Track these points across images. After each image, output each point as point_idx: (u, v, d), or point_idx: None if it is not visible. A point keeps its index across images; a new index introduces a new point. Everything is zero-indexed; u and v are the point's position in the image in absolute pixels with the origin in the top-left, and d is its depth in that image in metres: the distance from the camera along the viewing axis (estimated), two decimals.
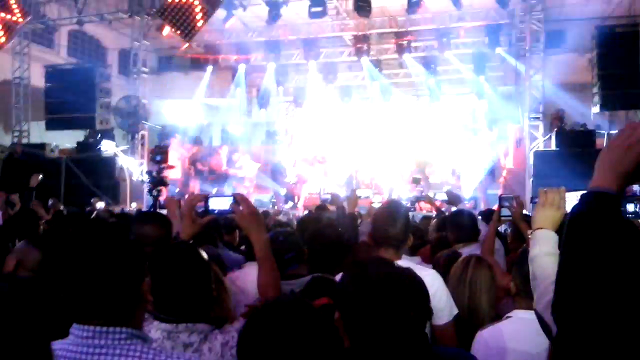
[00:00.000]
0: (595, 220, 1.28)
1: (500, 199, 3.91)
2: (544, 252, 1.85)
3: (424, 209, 11.32)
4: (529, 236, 2.01)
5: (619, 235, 1.23)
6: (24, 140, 15.78)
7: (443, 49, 15.23)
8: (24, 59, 16.05)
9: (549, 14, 13.48)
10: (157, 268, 2.04)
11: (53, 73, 15.22)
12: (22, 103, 16.07)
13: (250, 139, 19.69)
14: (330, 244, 3.34)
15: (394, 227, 2.92)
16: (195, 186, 16.10)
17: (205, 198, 2.65)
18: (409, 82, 18.41)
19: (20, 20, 12.22)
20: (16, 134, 15.97)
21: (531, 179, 11.81)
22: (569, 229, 1.31)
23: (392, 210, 3.05)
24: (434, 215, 7.15)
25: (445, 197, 8.50)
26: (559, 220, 1.94)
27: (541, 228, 1.93)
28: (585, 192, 1.33)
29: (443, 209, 7.39)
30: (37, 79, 16.02)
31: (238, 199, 2.45)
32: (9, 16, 13.20)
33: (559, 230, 1.91)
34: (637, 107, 12.46)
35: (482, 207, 12.06)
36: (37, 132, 15.66)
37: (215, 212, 2.61)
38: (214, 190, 13.85)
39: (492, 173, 14.67)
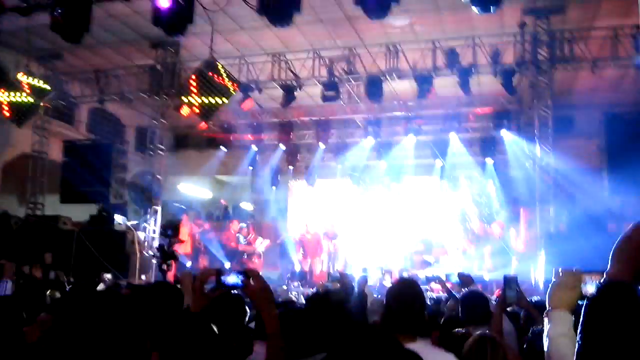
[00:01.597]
0: (611, 309, 1.31)
1: (505, 279, 3.80)
2: (559, 333, 1.85)
3: (435, 290, 11.18)
4: (545, 316, 2.01)
5: (634, 323, 1.26)
6: (38, 213, 15.99)
7: (451, 132, 15.54)
8: (44, 134, 16.53)
9: (558, 100, 13.81)
10: (167, 341, 2.05)
11: (71, 148, 15.64)
12: (38, 176, 16.40)
13: (261, 216, 19.80)
14: (339, 324, 3.32)
15: (409, 309, 2.84)
16: (205, 261, 16.06)
17: (217, 272, 2.67)
18: (418, 163, 18.64)
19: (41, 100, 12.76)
20: (31, 205, 16.21)
21: (543, 261, 11.72)
22: (587, 317, 1.34)
23: (407, 291, 2.98)
24: (445, 297, 7.07)
25: (456, 279, 8.43)
26: (574, 300, 1.95)
27: (557, 308, 1.94)
28: (601, 282, 1.37)
29: (454, 291, 7.33)
30: (55, 153, 16.45)
31: (249, 274, 2.48)
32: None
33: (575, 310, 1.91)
34: None
35: (494, 288, 11.90)
36: (52, 205, 15.89)
37: (227, 286, 2.63)
38: (226, 265, 13.81)
39: (503, 255, 14.55)
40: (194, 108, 10.64)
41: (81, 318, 1.72)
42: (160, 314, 2.73)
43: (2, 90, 13.23)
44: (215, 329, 2.20)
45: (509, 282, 3.67)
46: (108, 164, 14.52)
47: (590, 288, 1.88)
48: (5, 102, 13.09)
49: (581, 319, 1.39)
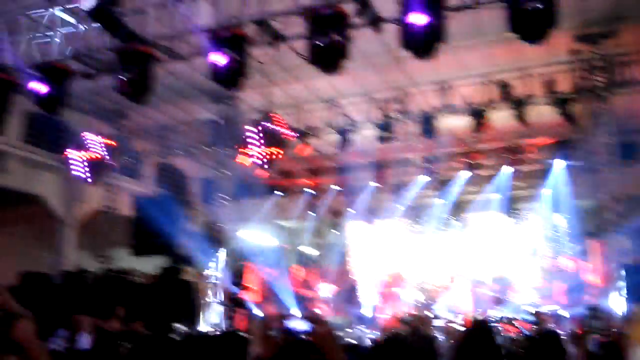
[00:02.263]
0: None
1: (590, 309, 3.68)
2: None
3: (508, 329, 10.83)
4: (629, 350, 1.97)
5: None
6: (111, 266, 16.62)
7: (510, 165, 15.25)
8: (114, 190, 17.33)
9: (621, 126, 13.38)
10: None
11: (140, 202, 16.29)
12: (110, 231, 17.12)
13: (324, 260, 19.83)
14: None
15: (483, 353, 2.80)
16: (271, 308, 16.16)
17: (284, 319, 2.74)
18: (478, 198, 18.31)
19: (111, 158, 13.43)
20: (104, 260, 16.88)
21: (621, 294, 11.16)
22: None
23: (480, 337, 2.93)
24: (519, 337, 6.87)
25: (530, 317, 8.17)
26: None
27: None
28: None
29: (528, 330, 7.11)
30: (125, 208, 17.19)
31: (315, 320, 2.54)
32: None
33: None
34: None
35: (567, 325, 11.41)
36: (124, 259, 16.51)
37: (294, 332, 2.69)
38: (292, 311, 13.87)
39: (577, 290, 13.96)
40: (254, 158, 10.96)
41: None
42: None
43: (74, 150, 13.97)
44: None
45: (594, 312, 3.54)
46: (175, 216, 15.01)
47: None
48: (80, 161, 13.80)
49: None
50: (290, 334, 2.69)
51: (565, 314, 13.41)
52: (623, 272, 11.33)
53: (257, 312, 15.21)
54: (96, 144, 13.90)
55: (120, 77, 8.22)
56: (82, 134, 14.62)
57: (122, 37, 8.22)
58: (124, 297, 13.52)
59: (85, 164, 13.80)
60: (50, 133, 16.09)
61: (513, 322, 9.39)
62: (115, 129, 16.21)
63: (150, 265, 15.59)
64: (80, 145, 14.07)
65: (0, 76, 9.06)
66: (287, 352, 3.46)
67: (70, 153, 13.23)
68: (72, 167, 13.64)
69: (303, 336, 2.72)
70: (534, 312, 11.50)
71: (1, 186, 15.19)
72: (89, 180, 14.13)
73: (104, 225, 17.17)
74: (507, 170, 15.63)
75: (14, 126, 15.20)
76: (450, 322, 10.77)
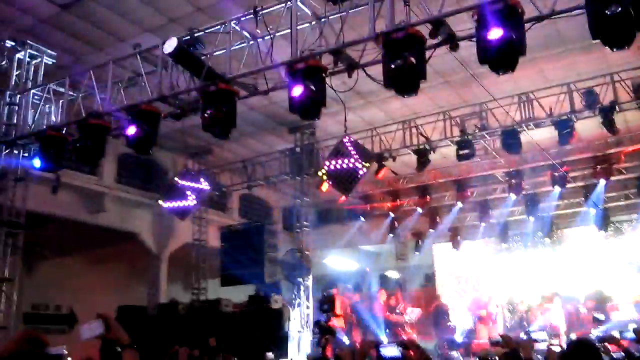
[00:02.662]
0: None
1: None
2: None
3: (611, 349, 10.17)
4: None
5: None
6: (202, 297, 17.17)
7: (602, 176, 14.47)
8: (202, 223, 17.98)
9: None
10: None
11: (227, 234, 16.81)
12: (200, 263, 17.74)
13: (409, 283, 19.56)
14: None
15: None
16: (359, 334, 16.06)
17: (377, 345, 2.74)
18: (571, 213, 17.51)
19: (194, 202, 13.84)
20: (195, 291, 17.47)
21: None
22: None
23: (582, 353, 2.81)
24: (622, 357, 6.44)
25: (633, 335, 7.64)
26: None
27: None
28: None
29: (633, 350, 6.65)
30: (213, 240, 17.77)
31: (408, 345, 2.53)
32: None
33: None
34: None
35: None
36: (213, 289, 17.01)
37: (386, 359, 2.68)
38: (380, 337, 13.71)
39: None
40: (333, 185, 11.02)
41: None
42: None
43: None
44: None
45: None
46: (260, 245, 15.34)
47: None
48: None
49: None
50: (383, 359, 2.68)
51: None
52: None
53: (345, 339, 15.16)
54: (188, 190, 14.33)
55: (204, 115, 8.55)
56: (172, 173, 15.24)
57: (203, 77, 8.59)
58: (215, 327, 13.89)
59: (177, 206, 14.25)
60: (141, 172, 17.04)
61: (615, 340, 8.79)
62: (202, 165, 16.89)
63: (239, 294, 15.95)
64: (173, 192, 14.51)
65: (95, 122, 9.66)
66: None
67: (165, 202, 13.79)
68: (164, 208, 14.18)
69: None
70: (634, 329, 10.76)
71: (99, 225, 16.14)
72: (180, 217, 14.64)
73: (194, 257, 17.81)
74: (600, 182, 14.82)
75: (109, 168, 16.22)
76: (550, 344, 10.25)
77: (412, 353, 2.47)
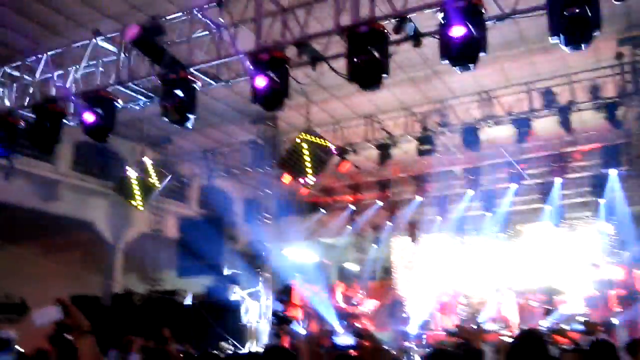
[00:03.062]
0: None
1: None
2: None
3: (560, 341, 10.53)
4: None
5: None
6: (158, 288, 16.94)
7: (558, 174, 14.88)
8: (160, 213, 17.71)
9: None
10: None
11: (185, 224, 16.62)
12: (156, 253, 17.48)
13: (367, 276, 19.75)
14: None
15: None
16: (316, 325, 16.14)
17: (331, 334, 2.75)
18: (526, 209, 17.95)
19: (158, 185, 13.65)
20: (151, 282, 17.21)
21: None
22: None
23: (530, 343, 2.88)
24: (571, 348, 6.67)
25: (581, 327, 7.93)
26: None
27: None
28: None
29: (579, 340, 6.90)
30: (171, 230, 17.54)
31: (363, 334, 2.55)
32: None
33: None
34: None
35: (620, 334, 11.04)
36: (170, 280, 16.80)
37: (340, 347, 2.70)
38: (337, 328, 13.80)
39: (630, 299, 13.47)
40: (296, 177, 11.04)
41: None
42: None
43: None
44: None
45: None
46: (220, 237, 15.24)
47: None
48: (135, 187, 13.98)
49: None
50: (337, 349, 2.69)
51: (616, 322, 12.97)
52: None
53: (302, 329, 15.22)
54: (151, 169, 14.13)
55: (164, 103, 8.43)
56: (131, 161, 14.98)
57: (164, 64, 8.46)
58: (171, 318, 13.76)
59: (142, 188, 14.02)
60: (98, 160, 16.65)
61: (564, 332, 9.12)
62: (162, 154, 16.63)
63: (195, 285, 15.81)
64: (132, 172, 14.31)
65: (50, 107, 9.41)
66: None
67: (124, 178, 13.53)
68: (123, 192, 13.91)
69: (350, 351, 2.72)
70: (583, 321, 11.16)
71: (53, 213, 15.73)
72: (142, 204, 14.39)
73: (151, 248, 17.55)
74: (555, 180, 15.23)
75: (64, 155, 15.80)
76: (499, 334, 10.53)
77: (366, 342, 2.49)
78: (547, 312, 13.45)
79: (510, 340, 7.18)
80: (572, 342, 7.47)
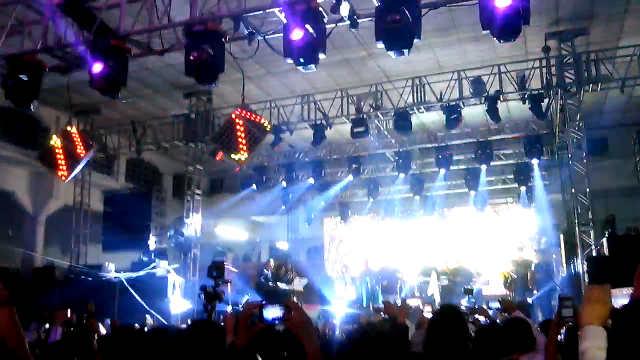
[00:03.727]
0: (634, 322, 1.40)
1: (560, 299, 3.75)
2: (593, 345, 1.89)
3: (477, 317, 11.01)
4: (579, 332, 2.03)
5: None
6: (82, 262, 16.42)
7: (483, 160, 15.43)
8: (85, 185, 17.10)
9: (589, 122, 13.69)
10: None
11: (111, 198, 16.15)
12: (81, 227, 16.92)
13: (298, 255, 19.92)
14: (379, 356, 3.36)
15: (452, 336, 2.87)
16: (245, 302, 16.15)
17: (260, 306, 2.77)
18: (452, 193, 18.58)
19: (83, 154, 13.15)
20: (74, 256, 16.66)
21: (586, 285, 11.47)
22: (615, 330, 1.44)
23: (449, 319, 3.01)
24: (487, 324, 7.00)
25: (498, 306, 8.33)
26: (606, 315, 1.97)
27: (590, 324, 1.99)
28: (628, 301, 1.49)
29: (496, 318, 7.26)
30: (96, 204, 17.00)
31: (291, 307, 2.58)
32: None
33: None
34: None
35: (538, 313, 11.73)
36: (95, 254, 16.33)
37: (268, 320, 2.72)
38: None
39: (546, 281, 14.26)
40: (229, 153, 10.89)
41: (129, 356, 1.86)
42: (205, 349, 2.86)
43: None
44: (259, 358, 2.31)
45: (565, 301, 3.58)
46: (147, 212, 14.91)
47: (622, 302, 1.93)
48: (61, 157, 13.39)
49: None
50: (265, 321, 2.72)
51: (531, 301, 13.72)
52: (586, 264, 11.66)
53: (230, 306, 15.19)
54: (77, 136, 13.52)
55: (92, 71, 8.11)
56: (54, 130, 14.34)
57: (94, 31, 8.11)
58: (94, 292, 13.39)
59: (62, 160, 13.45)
60: (21, 128, 15.82)
61: (482, 310, 9.55)
62: (88, 124, 16.01)
63: (122, 260, 15.44)
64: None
65: None
66: (262, 339, 3.50)
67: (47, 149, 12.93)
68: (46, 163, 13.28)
69: (277, 323, 2.73)
70: (500, 300, 11.72)
71: None
72: (64, 177, 13.83)
73: (74, 220, 16.96)
74: (481, 166, 15.79)
75: None
76: (422, 311, 10.90)
77: (293, 314, 2.53)
78: (467, 292, 14.01)
79: (431, 315, 7.49)
80: (489, 319, 7.84)
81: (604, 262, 11.39)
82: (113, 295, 13.42)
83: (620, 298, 2.00)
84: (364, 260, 16.73)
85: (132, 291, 13.20)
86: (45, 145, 13.16)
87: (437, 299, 14.35)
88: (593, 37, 12.22)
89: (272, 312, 2.70)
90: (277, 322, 2.72)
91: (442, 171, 16.24)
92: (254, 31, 7.87)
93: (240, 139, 9.67)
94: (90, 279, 14.22)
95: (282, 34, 7.38)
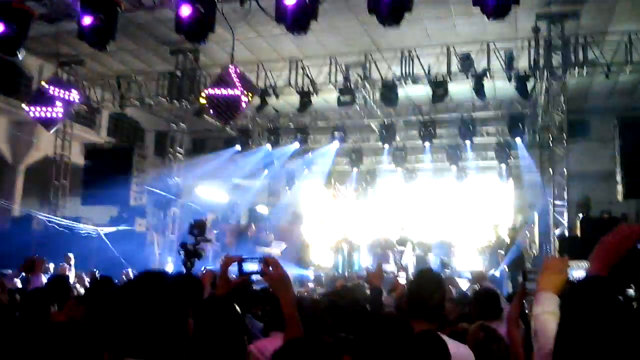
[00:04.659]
0: (587, 296, 1.53)
1: (524, 273, 3.91)
2: (545, 310, 2.02)
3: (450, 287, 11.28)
4: (533, 297, 2.16)
5: (605, 307, 1.47)
6: (60, 214, 16.37)
7: (466, 137, 15.55)
8: (66, 137, 16.94)
9: (572, 105, 13.86)
10: (197, 320, 2.26)
11: (92, 151, 16.03)
12: (60, 179, 16.82)
13: (277, 219, 20.02)
14: (353, 313, 3.52)
15: (430, 297, 2.92)
16: (224, 259, 16.27)
17: (239, 260, 2.87)
18: (434, 167, 18.76)
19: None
20: (53, 208, 16.60)
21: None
22: (568, 302, 1.56)
23: (428, 280, 3.06)
24: (457, 295, 7.22)
25: (469, 276, 8.57)
26: (561, 283, 2.10)
27: (544, 290, 2.11)
28: (583, 276, 1.62)
29: (467, 290, 7.49)
30: (77, 157, 16.88)
31: (269, 262, 2.68)
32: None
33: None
34: None
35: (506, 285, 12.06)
36: (74, 207, 16.28)
37: (247, 273, 2.81)
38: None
39: (518, 258, 14.60)
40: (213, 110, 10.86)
41: (113, 304, 1.93)
42: (186, 298, 2.96)
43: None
44: (238, 309, 2.42)
45: (529, 274, 3.75)
46: (128, 168, 14.85)
47: (578, 273, 2.06)
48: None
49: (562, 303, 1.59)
50: (244, 274, 2.81)
51: (497, 274, 14.07)
52: (557, 242, 11.98)
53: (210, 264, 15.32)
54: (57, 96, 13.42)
55: (81, 21, 8.01)
56: (44, 87, 14.08)
57: None
58: (72, 245, 13.43)
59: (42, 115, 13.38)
60: (2, 76, 15.52)
61: (453, 281, 9.80)
62: (71, 75, 15.77)
63: (101, 215, 15.45)
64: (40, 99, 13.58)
65: None
66: (240, 291, 3.62)
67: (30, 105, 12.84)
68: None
69: (256, 276, 2.82)
70: (473, 272, 12.03)
71: None
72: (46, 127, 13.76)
73: (54, 172, 16.85)
74: (465, 142, 15.90)
75: None
76: (396, 276, 11.15)
77: (271, 269, 2.63)
78: (442, 264, 14.33)
79: (405, 281, 7.70)
80: (458, 289, 8.07)
81: (575, 241, 11.69)
82: (91, 249, 13.48)
83: (576, 270, 2.13)
84: (341, 228, 16.96)
85: (110, 246, 13.28)
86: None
87: (411, 269, 14.64)
88: (583, 21, 12.26)
89: (251, 266, 2.79)
90: (255, 275, 2.81)
91: (427, 144, 16.34)
92: None
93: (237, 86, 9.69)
94: (69, 231, 14.24)
95: None
